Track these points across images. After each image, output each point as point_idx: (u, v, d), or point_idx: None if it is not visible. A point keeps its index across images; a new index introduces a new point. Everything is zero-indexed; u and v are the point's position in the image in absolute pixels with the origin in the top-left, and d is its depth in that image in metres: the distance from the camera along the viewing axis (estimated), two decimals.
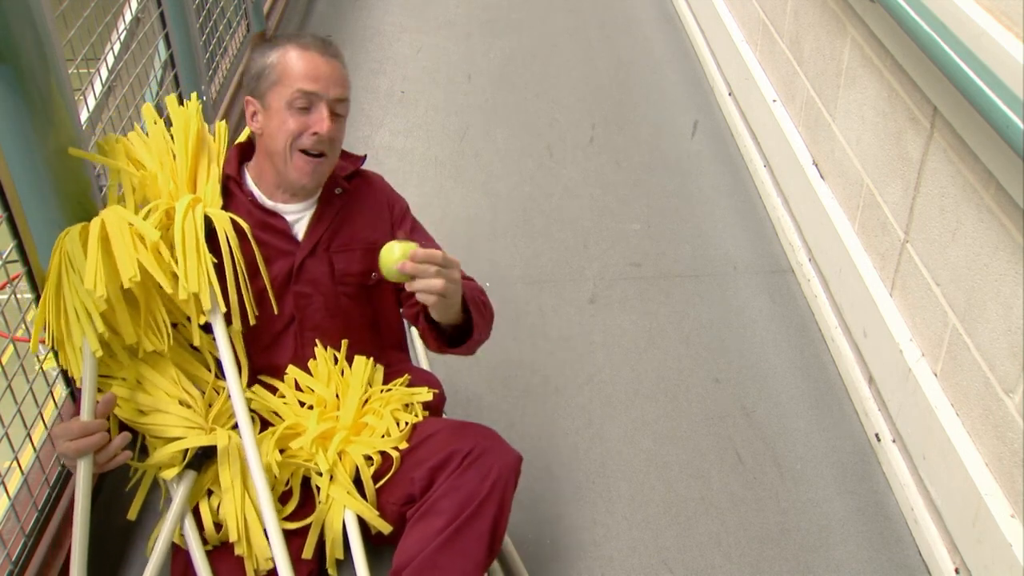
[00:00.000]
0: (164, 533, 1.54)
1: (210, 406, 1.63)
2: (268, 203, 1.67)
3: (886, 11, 1.82)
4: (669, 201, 2.87)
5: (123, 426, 1.57)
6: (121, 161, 1.66)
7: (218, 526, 1.59)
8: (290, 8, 3.83)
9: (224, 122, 1.78)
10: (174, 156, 1.67)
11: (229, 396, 1.62)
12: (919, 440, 1.84)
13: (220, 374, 1.65)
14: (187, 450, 1.56)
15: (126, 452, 1.51)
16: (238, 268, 1.59)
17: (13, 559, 1.51)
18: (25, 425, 1.55)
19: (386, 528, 1.62)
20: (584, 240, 2.71)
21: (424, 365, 2.03)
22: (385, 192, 1.79)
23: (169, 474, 1.56)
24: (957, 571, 1.72)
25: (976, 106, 1.50)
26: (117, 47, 2.21)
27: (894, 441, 1.99)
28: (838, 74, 2.30)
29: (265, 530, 1.56)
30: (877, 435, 2.04)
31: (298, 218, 1.68)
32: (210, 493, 1.61)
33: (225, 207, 1.64)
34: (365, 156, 1.79)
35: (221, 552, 1.61)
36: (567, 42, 3.85)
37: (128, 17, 2.34)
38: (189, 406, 1.59)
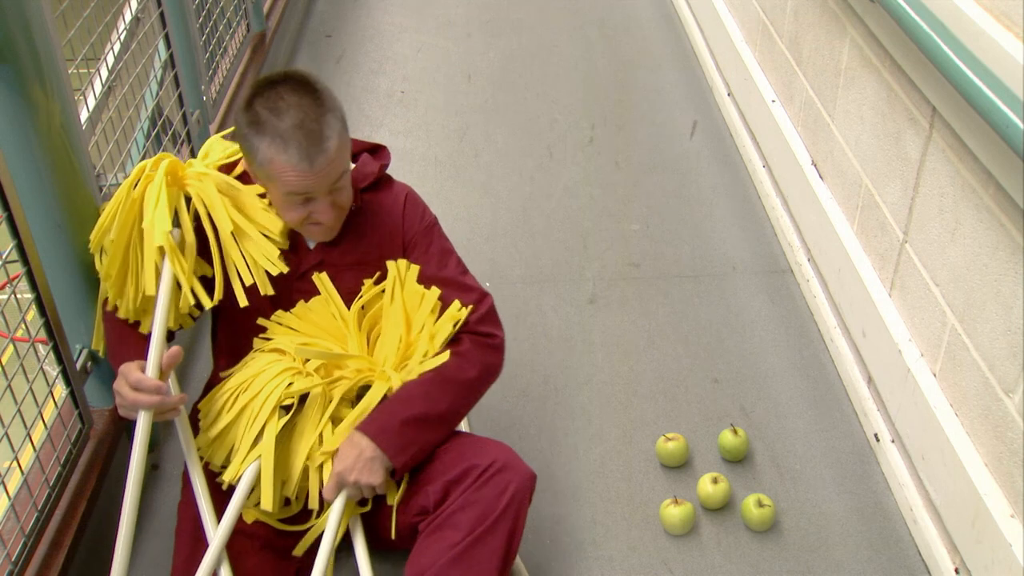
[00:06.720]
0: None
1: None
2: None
3: (886, 11, 1.82)
4: (668, 201, 2.88)
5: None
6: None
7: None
8: (290, 8, 3.82)
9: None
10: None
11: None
12: (918, 440, 1.85)
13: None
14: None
15: (178, 410, 1.55)
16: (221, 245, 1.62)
17: (13, 559, 1.51)
18: (25, 425, 1.55)
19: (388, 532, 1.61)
20: (584, 240, 2.71)
21: None
22: (401, 209, 1.71)
23: None
24: (957, 571, 1.72)
25: (975, 106, 1.50)
26: (117, 47, 2.21)
27: (893, 441, 1.99)
28: (837, 74, 2.30)
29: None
30: (876, 435, 2.04)
31: None
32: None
33: (241, 205, 1.63)
34: (387, 162, 1.73)
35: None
36: (567, 42, 3.85)
37: (128, 17, 2.34)
38: None
